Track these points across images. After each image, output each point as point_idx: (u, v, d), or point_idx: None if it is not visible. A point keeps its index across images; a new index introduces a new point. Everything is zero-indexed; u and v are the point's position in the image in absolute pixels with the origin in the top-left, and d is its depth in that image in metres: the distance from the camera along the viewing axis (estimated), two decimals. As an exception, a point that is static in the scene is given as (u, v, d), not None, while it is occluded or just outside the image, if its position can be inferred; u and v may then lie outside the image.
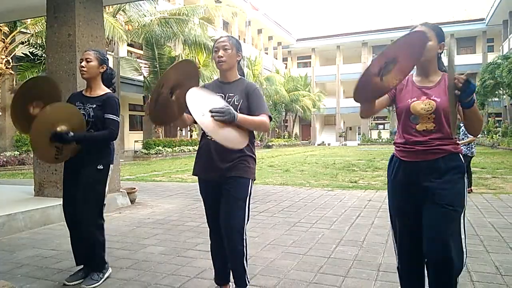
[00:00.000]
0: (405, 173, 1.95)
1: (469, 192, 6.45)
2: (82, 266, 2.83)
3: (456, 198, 1.84)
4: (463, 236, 1.85)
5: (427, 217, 1.87)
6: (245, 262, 2.30)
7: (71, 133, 2.59)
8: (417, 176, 1.90)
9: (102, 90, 2.82)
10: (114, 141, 2.88)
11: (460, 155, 1.90)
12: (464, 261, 1.85)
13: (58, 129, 2.57)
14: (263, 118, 2.20)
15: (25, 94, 2.69)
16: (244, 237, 2.27)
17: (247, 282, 2.34)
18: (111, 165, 2.83)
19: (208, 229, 2.47)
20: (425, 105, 1.86)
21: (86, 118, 2.72)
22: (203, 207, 2.45)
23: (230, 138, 2.08)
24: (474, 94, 1.71)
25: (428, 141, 1.87)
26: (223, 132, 2.05)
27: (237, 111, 2.16)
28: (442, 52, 1.95)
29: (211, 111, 2.02)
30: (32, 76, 2.99)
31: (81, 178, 2.73)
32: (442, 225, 1.81)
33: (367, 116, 2.05)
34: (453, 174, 1.86)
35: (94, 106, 2.73)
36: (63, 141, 2.59)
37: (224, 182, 2.25)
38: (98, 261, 2.76)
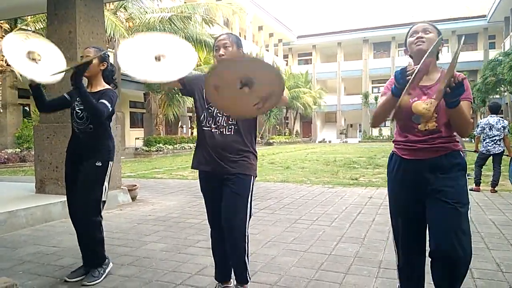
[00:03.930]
0: (407, 171, 1.94)
1: (477, 191, 6.43)
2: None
3: (461, 194, 1.85)
4: (469, 232, 1.86)
5: (434, 214, 1.86)
6: (246, 259, 2.30)
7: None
8: (420, 174, 1.89)
9: (102, 86, 2.80)
10: (114, 138, 2.87)
11: (461, 152, 1.91)
12: (470, 256, 1.84)
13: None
14: None
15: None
16: (246, 234, 2.27)
17: (248, 279, 2.35)
18: (110, 163, 2.79)
19: (209, 226, 2.46)
20: (427, 104, 1.82)
21: (85, 113, 2.70)
22: (204, 204, 2.45)
23: (239, 110, 1.97)
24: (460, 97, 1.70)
25: (429, 139, 1.87)
26: (241, 103, 1.90)
27: None
28: (441, 50, 1.94)
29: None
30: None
31: (80, 174, 2.72)
32: (450, 220, 1.81)
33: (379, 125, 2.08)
34: (456, 171, 1.87)
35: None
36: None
37: (226, 179, 2.25)
38: (97, 257, 2.77)
